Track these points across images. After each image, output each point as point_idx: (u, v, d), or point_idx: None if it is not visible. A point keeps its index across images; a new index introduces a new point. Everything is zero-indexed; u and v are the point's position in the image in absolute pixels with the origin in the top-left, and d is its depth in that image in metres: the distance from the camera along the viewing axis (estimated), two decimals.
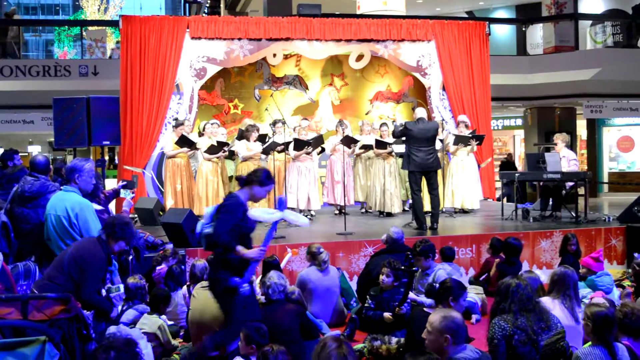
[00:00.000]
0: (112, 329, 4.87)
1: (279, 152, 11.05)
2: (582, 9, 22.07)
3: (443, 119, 13.32)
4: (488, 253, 8.71)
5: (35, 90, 15.70)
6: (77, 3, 48.17)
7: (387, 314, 6.09)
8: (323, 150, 11.81)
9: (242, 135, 11.24)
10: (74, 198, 5.23)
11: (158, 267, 7.22)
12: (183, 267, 7.37)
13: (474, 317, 7.30)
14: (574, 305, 5.23)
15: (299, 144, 11.03)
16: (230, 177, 11.79)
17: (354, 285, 7.97)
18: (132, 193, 6.58)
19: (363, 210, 12.50)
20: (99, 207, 5.74)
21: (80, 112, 8.89)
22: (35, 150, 25.72)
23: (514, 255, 8.09)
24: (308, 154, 11.25)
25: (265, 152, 10.89)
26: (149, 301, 6.21)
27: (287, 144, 10.95)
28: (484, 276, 8.45)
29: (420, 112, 10.17)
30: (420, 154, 9.71)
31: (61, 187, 5.90)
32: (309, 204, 11.33)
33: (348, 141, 11.49)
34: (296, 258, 8.46)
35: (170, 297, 6.45)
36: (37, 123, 16.78)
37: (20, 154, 9.87)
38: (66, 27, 27.73)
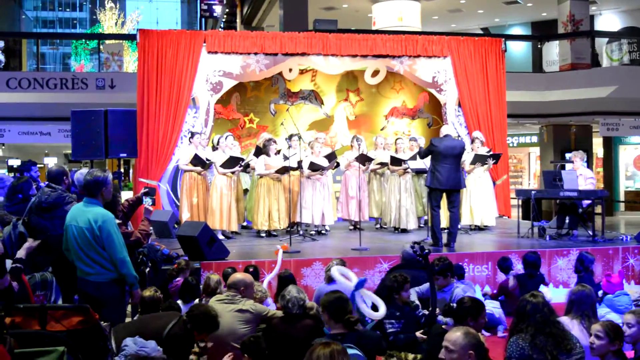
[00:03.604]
0: (127, 341, 4.85)
1: (294, 170, 11.04)
2: (599, 26, 22.08)
3: (459, 135, 13.28)
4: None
5: (52, 103, 15.83)
6: (94, 17, 48.64)
7: (420, 334, 5.97)
8: (338, 165, 11.79)
9: (260, 151, 11.24)
10: (97, 210, 5.24)
11: (175, 280, 7.22)
12: (200, 280, 7.36)
13: (500, 327, 7.30)
14: (592, 325, 5.17)
15: (314, 167, 11.02)
16: (245, 191, 11.79)
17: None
18: (153, 201, 6.60)
19: (378, 225, 12.46)
20: (118, 221, 5.74)
21: (98, 124, 8.96)
22: (51, 161, 25.89)
23: (533, 269, 8.08)
24: (321, 174, 11.25)
25: (280, 172, 10.91)
26: None
27: (300, 163, 10.95)
28: (501, 296, 8.39)
29: (447, 129, 10.13)
30: (444, 171, 9.59)
31: (78, 199, 5.92)
32: (323, 219, 11.30)
33: (363, 159, 11.47)
34: (311, 273, 8.44)
35: (181, 310, 6.43)
36: (54, 135, 16.92)
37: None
38: (83, 40, 27.96)
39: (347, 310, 5.03)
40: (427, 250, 6.21)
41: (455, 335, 3.89)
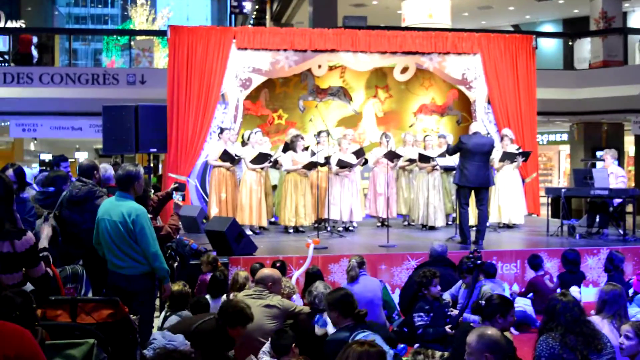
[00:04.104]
0: (156, 335, 4.90)
1: (322, 165, 11.05)
2: (632, 23, 21.77)
3: (488, 133, 13.18)
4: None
5: (84, 98, 16.02)
6: (125, 13, 49.11)
7: (449, 328, 5.99)
8: (366, 161, 11.77)
9: (288, 147, 11.28)
10: (130, 204, 5.30)
11: (202, 275, 7.28)
12: (229, 275, 7.41)
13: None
14: (623, 324, 5.11)
15: (342, 164, 11.03)
16: (274, 187, 11.83)
17: (396, 298, 7.92)
18: (183, 196, 6.65)
19: (406, 223, 12.43)
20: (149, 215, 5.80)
21: (129, 120, 9.00)
22: (82, 156, 26.19)
23: (573, 266, 8.04)
24: (350, 171, 11.25)
25: (307, 167, 10.93)
26: (190, 309, 6.24)
27: (328, 159, 10.95)
28: (530, 294, 8.32)
29: (476, 127, 10.06)
30: (472, 169, 9.51)
31: (108, 193, 5.99)
32: (351, 215, 11.30)
33: (391, 156, 11.45)
34: (338, 269, 8.44)
35: (209, 305, 6.47)
36: (85, 130, 17.13)
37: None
38: (115, 36, 28.24)
39: (355, 306, 5.06)
40: (480, 262, 6.22)
41: (470, 338, 3.87)
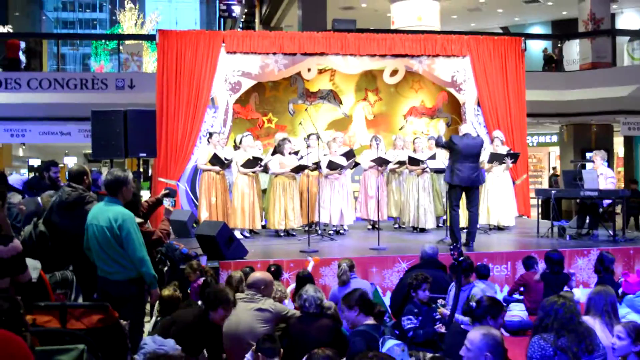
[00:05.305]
0: (147, 339, 4.88)
1: (311, 170, 11.01)
2: (620, 24, 21.89)
3: (478, 135, 13.19)
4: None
5: (72, 103, 15.95)
6: (114, 18, 49.00)
7: (439, 328, 5.99)
8: (357, 164, 11.76)
9: (276, 150, 11.27)
10: (118, 209, 5.27)
11: (193, 283, 7.24)
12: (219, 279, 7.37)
13: None
14: (614, 325, 5.11)
15: (333, 166, 11.01)
16: (264, 190, 11.81)
17: (387, 300, 7.90)
18: (174, 201, 6.63)
19: (396, 225, 12.43)
20: (140, 220, 5.75)
21: (118, 124, 8.98)
22: (71, 161, 26.08)
23: (558, 266, 8.04)
24: (340, 173, 11.23)
25: (295, 171, 10.92)
26: None
27: (317, 163, 10.92)
28: (517, 292, 8.33)
29: (466, 129, 10.08)
30: (464, 169, 9.51)
31: (97, 198, 5.96)
32: (341, 218, 11.29)
33: (380, 162, 11.41)
34: (329, 272, 8.42)
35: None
36: (74, 135, 17.05)
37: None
38: (103, 41, 28.16)
39: (373, 305, 5.10)
40: (462, 257, 6.19)
41: (474, 335, 3.87)
